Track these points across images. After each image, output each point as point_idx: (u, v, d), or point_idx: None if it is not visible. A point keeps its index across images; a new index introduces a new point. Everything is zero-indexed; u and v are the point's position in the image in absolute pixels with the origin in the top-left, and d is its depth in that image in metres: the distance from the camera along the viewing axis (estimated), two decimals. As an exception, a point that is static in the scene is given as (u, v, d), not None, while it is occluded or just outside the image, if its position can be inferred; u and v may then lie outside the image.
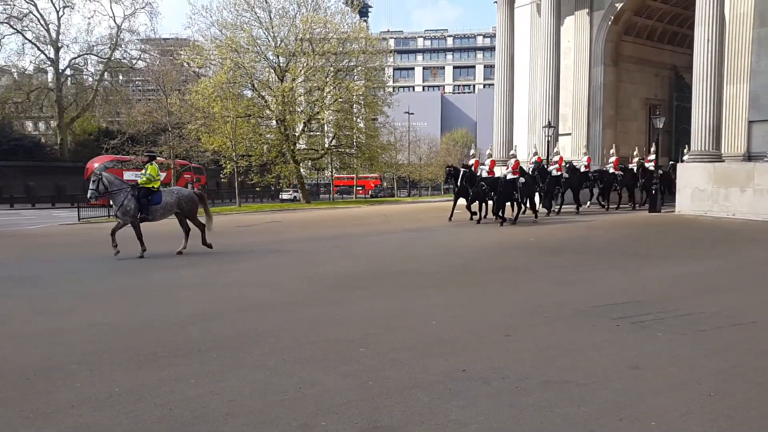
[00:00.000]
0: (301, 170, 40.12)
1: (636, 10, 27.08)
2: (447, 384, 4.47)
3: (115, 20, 49.18)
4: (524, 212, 19.91)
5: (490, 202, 18.95)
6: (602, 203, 23.85)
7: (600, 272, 9.72)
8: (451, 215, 19.89)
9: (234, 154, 33.44)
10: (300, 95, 37.90)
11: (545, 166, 22.09)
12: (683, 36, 29.02)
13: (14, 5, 45.79)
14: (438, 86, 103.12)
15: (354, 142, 40.56)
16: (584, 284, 8.69)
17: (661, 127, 23.39)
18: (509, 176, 18.51)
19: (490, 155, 21.81)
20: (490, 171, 19.94)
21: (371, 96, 39.33)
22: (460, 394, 4.27)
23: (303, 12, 36.37)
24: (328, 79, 36.76)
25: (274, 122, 38.13)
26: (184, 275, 10.10)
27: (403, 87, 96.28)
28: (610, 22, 26.70)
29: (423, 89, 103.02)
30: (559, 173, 22.01)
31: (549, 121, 25.61)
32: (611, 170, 23.66)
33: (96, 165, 33.92)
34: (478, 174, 19.14)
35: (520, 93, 29.42)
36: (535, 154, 23.57)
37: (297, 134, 38.25)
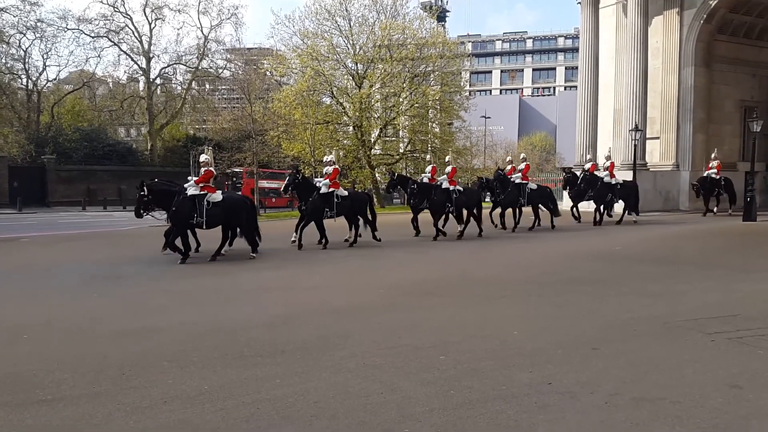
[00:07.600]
0: (376, 175, 40.43)
1: (732, 7, 25.64)
2: (532, 397, 4.34)
3: (202, 31, 51.56)
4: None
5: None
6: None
7: (692, 284, 9.19)
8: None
9: (312, 159, 34.16)
10: (377, 101, 38.20)
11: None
12: (786, 33, 27.24)
13: (113, 20, 48.96)
14: (516, 89, 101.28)
15: (429, 146, 40.45)
16: (675, 297, 8.25)
17: (758, 130, 21.90)
18: (323, 189, 14.44)
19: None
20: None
21: (447, 100, 39.10)
22: (548, 408, 4.14)
23: (382, 19, 36.66)
24: (404, 85, 36.88)
25: (351, 128, 38.62)
26: (267, 277, 10.40)
27: (480, 90, 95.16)
28: (702, 21, 25.39)
29: (500, 92, 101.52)
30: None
31: (636, 124, 24.59)
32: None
33: None
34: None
35: (605, 95, 28.47)
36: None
37: (373, 140, 38.60)
